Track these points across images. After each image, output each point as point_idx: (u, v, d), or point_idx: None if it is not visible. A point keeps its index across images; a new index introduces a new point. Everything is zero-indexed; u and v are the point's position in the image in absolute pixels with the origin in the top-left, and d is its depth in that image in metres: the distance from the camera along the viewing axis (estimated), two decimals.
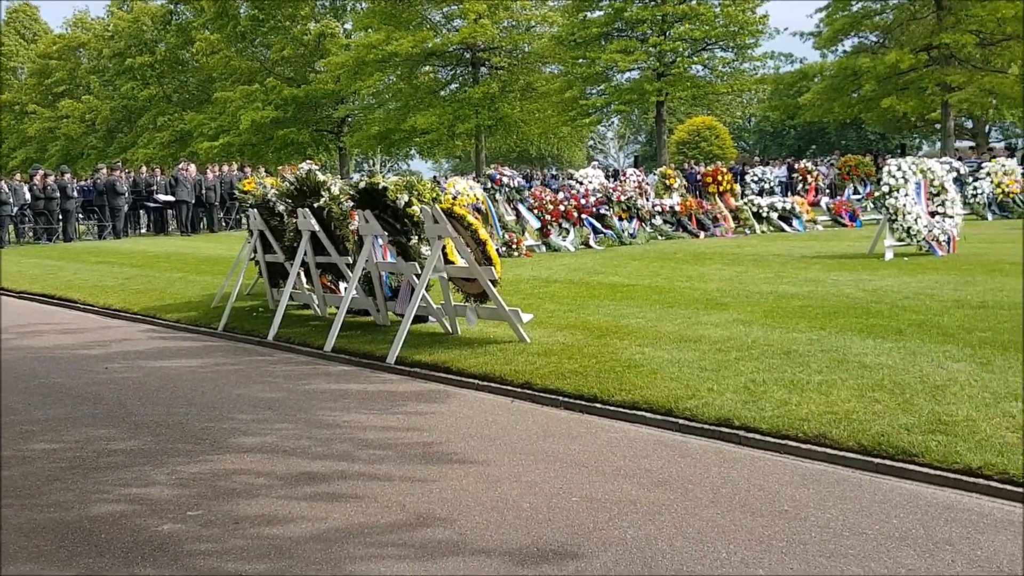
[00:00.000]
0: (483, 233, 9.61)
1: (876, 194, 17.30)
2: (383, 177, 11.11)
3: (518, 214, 20.97)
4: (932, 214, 16.15)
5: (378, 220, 10.37)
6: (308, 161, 12.53)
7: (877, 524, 4.85)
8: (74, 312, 15.00)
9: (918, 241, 15.85)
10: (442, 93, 49.82)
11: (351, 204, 10.97)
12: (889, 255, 15.62)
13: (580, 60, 45.25)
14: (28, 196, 30.00)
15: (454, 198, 17.66)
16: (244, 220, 18.21)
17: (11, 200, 28.89)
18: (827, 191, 34.76)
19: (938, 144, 46.95)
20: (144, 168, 36.46)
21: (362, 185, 10.66)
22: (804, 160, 39.69)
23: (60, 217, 30.80)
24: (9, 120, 61.06)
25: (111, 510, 5.54)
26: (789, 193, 32.30)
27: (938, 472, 5.47)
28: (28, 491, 5.93)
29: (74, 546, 4.99)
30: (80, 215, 32.19)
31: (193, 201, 32.30)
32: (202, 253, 23.18)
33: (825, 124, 56.49)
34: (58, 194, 30.27)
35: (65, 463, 6.53)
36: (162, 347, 11.39)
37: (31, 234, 30.60)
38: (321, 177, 11.45)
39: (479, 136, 49.32)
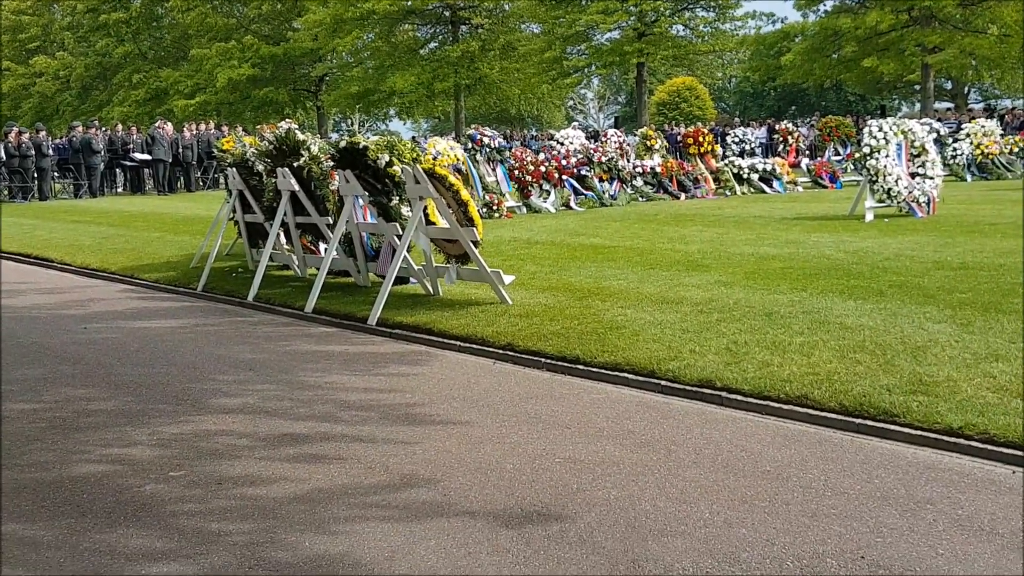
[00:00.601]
0: (465, 194, 9.55)
1: (856, 155, 17.29)
2: (363, 137, 11.02)
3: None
4: (912, 175, 16.18)
5: (359, 180, 10.30)
6: (287, 120, 12.39)
7: (859, 484, 4.88)
8: (51, 272, 14.88)
9: (898, 202, 15.88)
10: (421, 52, 49.44)
11: (331, 164, 10.88)
12: (869, 216, 15.65)
13: (560, 20, 44.96)
14: (2, 154, 29.62)
15: (435, 158, 17.54)
16: (222, 179, 18.08)
17: None
18: (807, 152, 34.77)
19: (918, 105, 47.03)
20: (120, 126, 36.05)
21: (342, 144, 10.58)
22: (784, 121, 39.64)
23: (35, 175, 30.44)
24: None
25: (93, 470, 5.51)
26: (770, 155, 32.28)
27: (919, 432, 5.50)
28: (8, 451, 5.89)
29: (56, 506, 4.96)
30: (56, 173, 31.83)
31: (170, 160, 32.02)
32: (180, 213, 23.01)
33: (805, 86, 56.36)
34: (33, 152, 29.88)
35: (45, 423, 6.49)
36: (141, 307, 11.32)
37: (6, 192, 30.24)
38: (301, 136, 11.34)
39: (458, 96, 49.06)
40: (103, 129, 34.86)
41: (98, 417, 6.63)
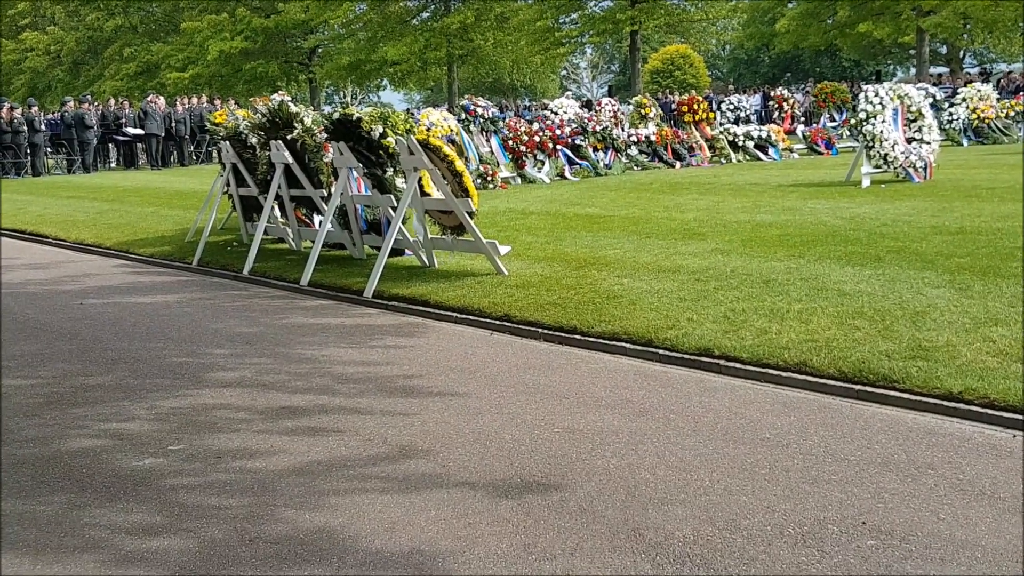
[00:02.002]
0: (459, 164, 9.50)
1: (852, 121, 17.21)
2: (356, 108, 10.95)
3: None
4: (909, 140, 16.12)
5: (352, 152, 10.24)
6: (280, 92, 12.33)
7: (859, 450, 4.87)
8: (46, 247, 14.83)
9: (895, 168, 15.83)
10: (413, 22, 49.14)
11: (325, 136, 10.82)
12: (866, 182, 15.60)
13: None
14: None
15: (428, 129, 17.46)
16: (215, 153, 17.99)
17: None
18: (803, 119, 34.70)
19: (913, 70, 46.87)
20: (112, 101, 35.86)
21: (336, 116, 10.51)
22: (780, 88, 39.50)
23: (28, 151, 30.30)
24: None
25: (91, 445, 5.49)
26: (765, 122, 32.19)
27: (919, 398, 5.49)
28: (6, 427, 5.87)
29: (55, 481, 4.94)
30: (49, 149, 31.68)
31: (163, 134, 31.90)
32: (173, 187, 22.93)
33: (799, 52, 56.22)
34: (25, 128, 29.73)
35: (42, 399, 6.47)
36: (137, 282, 11.28)
37: None
38: (294, 108, 11.27)
39: (451, 66, 48.82)
40: (95, 104, 34.69)
41: (95, 392, 6.61)
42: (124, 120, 32.26)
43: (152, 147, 31.91)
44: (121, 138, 32.54)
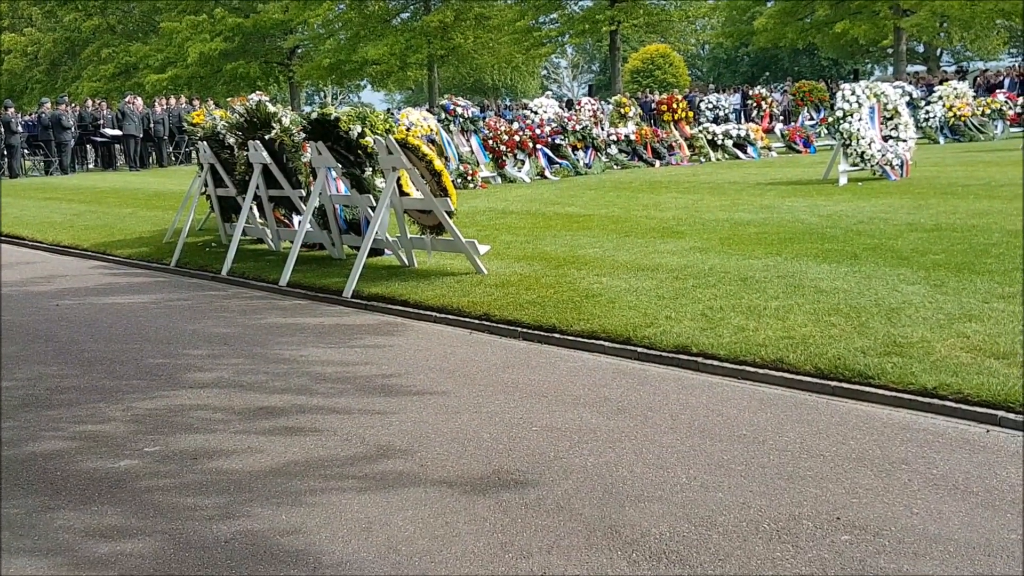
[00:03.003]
0: (438, 164, 9.49)
1: (830, 119, 17.30)
2: (335, 108, 10.93)
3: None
4: (885, 138, 16.21)
5: (331, 152, 10.22)
6: (257, 92, 12.29)
7: (834, 446, 4.89)
8: (23, 249, 14.73)
9: (872, 166, 15.92)
10: (393, 22, 49.07)
11: (303, 136, 10.80)
12: (843, 180, 15.67)
13: None
14: None
15: (408, 129, 17.43)
16: (194, 154, 17.93)
17: None
18: (781, 118, 34.81)
19: (890, 69, 47.11)
20: (90, 102, 35.66)
21: (314, 116, 10.49)
22: (758, 87, 39.63)
23: (5, 153, 30.10)
24: None
25: (65, 447, 5.46)
26: (743, 120, 32.28)
27: (894, 393, 5.52)
28: None
29: (29, 484, 4.91)
30: (26, 150, 31.48)
31: (141, 135, 31.75)
32: (152, 188, 22.83)
33: (778, 51, 56.45)
34: (2, 129, 29.55)
35: (17, 401, 6.43)
36: (114, 283, 11.22)
37: None
38: (271, 108, 11.24)
39: (432, 66, 48.79)
40: (73, 105, 34.49)
41: (71, 394, 6.58)
42: (102, 121, 32.09)
43: (130, 148, 31.76)
44: (99, 139, 32.36)
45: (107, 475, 4.99)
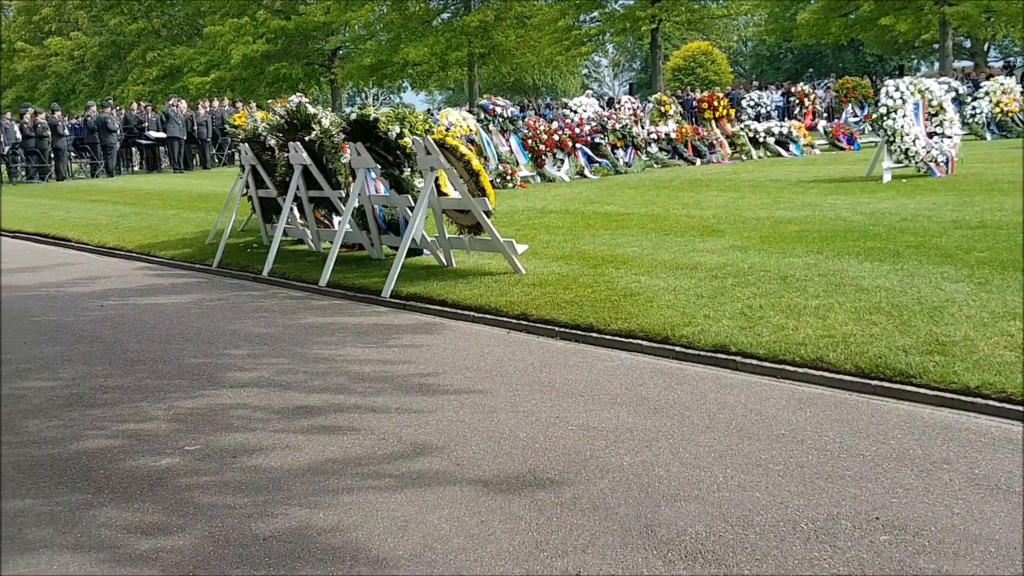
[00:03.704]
0: (476, 164, 9.51)
1: (874, 116, 17.10)
2: (375, 109, 10.98)
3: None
4: (930, 135, 16.01)
5: (370, 153, 10.27)
6: (298, 94, 12.38)
7: (874, 445, 4.84)
8: (69, 251, 14.94)
9: (916, 162, 15.73)
10: (434, 23, 49.20)
11: (343, 137, 10.86)
12: (887, 177, 15.50)
13: None
14: (19, 135, 29.73)
15: (447, 129, 17.48)
16: (237, 156, 18.10)
17: (2, 139, 28.63)
18: (824, 114, 34.51)
19: (937, 65, 46.55)
20: (135, 105, 36.11)
21: (353, 117, 10.54)
22: (801, 84, 39.30)
23: (52, 156, 30.56)
24: None
25: (109, 445, 5.53)
26: (786, 117, 32.04)
27: (936, 392, 5.46)
28: (26, 428, 5.92)
29: (72, 482, 4.98)
30: (72, 153, 31.93)
31: (185, 137, 32.09)
32: (195, 190, 23.06)
33: (822, 47, 55.93)
34: (49, 132, 30.00)
35: (62, 400, 6.52)
36: (157, 284, 11.35)
37: (23, 173, 30.38)
38: (311, 110, 11.32)
39: (472, 66, 48.84)
40: (118, 108, 34.94)
41: (115, 393, 6.66)
42: (146, 124, 32.48)
43: (174, 150, 32.12)
44: (144, 142, 32.76)
45: (149, 473, 5.05)
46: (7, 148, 29.20)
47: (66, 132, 30.77)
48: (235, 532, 4.26)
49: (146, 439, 5.62)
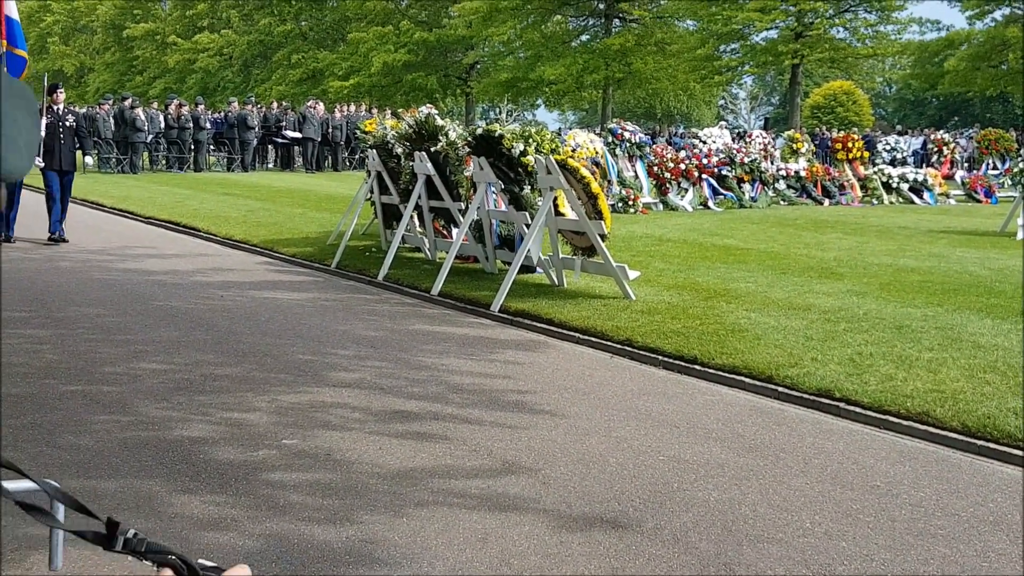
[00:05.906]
0: (595, 187, 9.54)
1: (1015, 170, 16.56)
2: (502, 125, 11.10)
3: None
4: None
5: (492, 168, 10.38)
6: (428, 105, 12.60)
7: (971, 507, 4.70)
8: (197, 240, 15.43)
9: None
10: (572, 44, 49.44)
11: (467, 150, 11.00)
12: (1021, 235, 14.99)
13: (716, 16, 44.14)
14: (163, 125, 30.91)
15: (573, 150, 17.55)
16: (366, 160, 18.48)
17: (147, 127, 29.79)
18: (964, 165, 33.54)
19: None
20: (275, 104, 37.18)
21: (479, 132, 10.68)
22: (941, 131, 38.26)
23: (192, 147, 31.68)
24: (151, 50, 62.52)
25: (211, 432, 5.71)
26: (924, 164, 31.23)
27: None
28: (136, 408, 6.15)
29: (173, 464, 5.15)
30: (211, 146, 33.02)
31: (319, 139, 32.86)
32: (323, 191, 23.62)
33: (969, 96, 54.32)
34: (191, 125, 31.10)
35: (173, 384, 6.75)
36: (276, 279, 11.66)
37: (163, 162, 31.55)
38: (439, 122, 11.51)
39: (607, 89, 48.85)
40: (259, 106, 36.02)
41: (223, 382, 6.87)
42: (284, 123, 33.40)
43: (308, 151, 32.93)
44: (280, 140, 33.69)
45: (244, 463, 5.19)
46: (150, 136, 30.35)
47: (207, 125, 31.85)
48: (320, 529, 4.34)
49: (247, 429, 5.78)
